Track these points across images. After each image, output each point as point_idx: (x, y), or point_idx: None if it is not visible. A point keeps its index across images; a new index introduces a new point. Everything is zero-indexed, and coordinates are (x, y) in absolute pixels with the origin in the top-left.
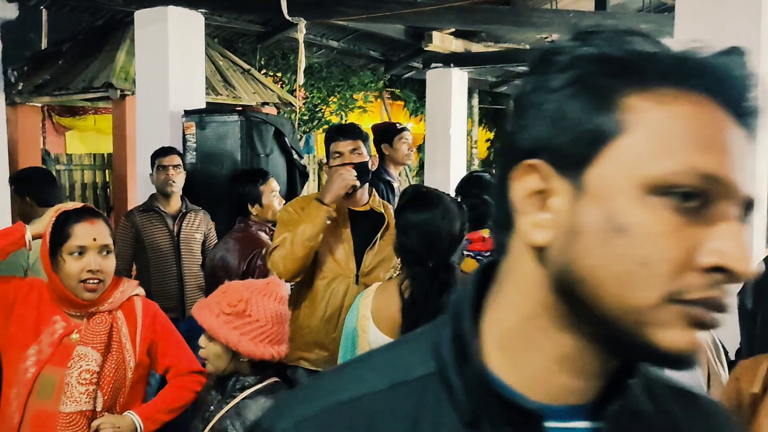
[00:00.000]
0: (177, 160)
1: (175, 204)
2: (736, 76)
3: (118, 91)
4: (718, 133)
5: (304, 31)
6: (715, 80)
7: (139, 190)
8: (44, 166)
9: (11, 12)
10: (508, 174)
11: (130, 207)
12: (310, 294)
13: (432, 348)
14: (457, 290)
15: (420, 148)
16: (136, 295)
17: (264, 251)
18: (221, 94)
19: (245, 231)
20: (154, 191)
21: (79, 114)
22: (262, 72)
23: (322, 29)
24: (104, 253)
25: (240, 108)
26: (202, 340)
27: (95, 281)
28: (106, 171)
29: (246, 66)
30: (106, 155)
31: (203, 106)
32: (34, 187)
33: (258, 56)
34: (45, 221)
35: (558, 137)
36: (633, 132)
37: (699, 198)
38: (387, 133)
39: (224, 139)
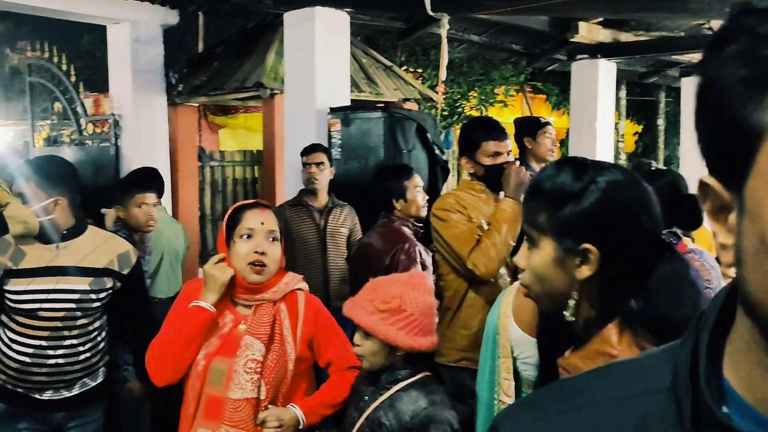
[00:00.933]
0: (321, 157)
1: (322, 199)
2: None
3: (268, 90)
4: None
5: (447, 27)
6: None
7: (286, 185)
8: (199, 163)
9: (173, 18)
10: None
11: (278, 201)
12: (472, 294)
13: (672, 361)
14: (708, 305)
15: (563, 143)
16: (300, 289)
17: (407, 246)
18: (364, 91)
19: (388, 226)
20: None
21: (230, 113)
22: (403, 68)
23: (464, 24)
24: (271, 239)
25: (383, 105)
26: (358, 338)
27: (261, 264)
28: (255, 167)
29: (388, 63)
30: (255, 152)
31: (348, 103)
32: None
33: (399, 53)
34: (213, 295)
35: (717, 141)
36: None
37: None
38: (530, 127)
39: (368, 135)
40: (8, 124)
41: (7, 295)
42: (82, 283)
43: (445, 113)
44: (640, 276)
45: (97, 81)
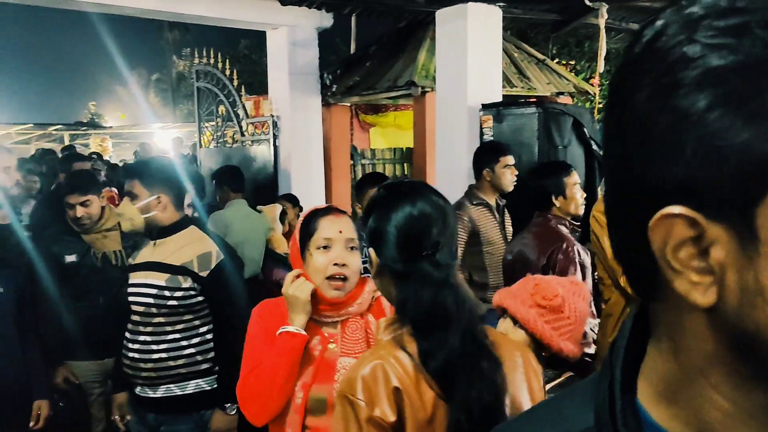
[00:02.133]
0: (513, 160)
1: (495, 196)
2: None
3: (420, 89)
4: None
5: (605, 16)
6: None
7: (438, 181)
8: (351, 161)
9: (327, 21)
10: (637, 219)
11: None
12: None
13: (592, 400)
14: (616, 337)
15: None
16: None
17: (565, 245)
18: (516, 86)
19: (544, 225)
20: (470, 183)
21: (381, 111)
22: (555, 61)
23: (622, 12)
24: (350, 248)
25: (536, 99)
26: (507, 328)
27: (341, 277)
28: (405, 164)
29: (540, 56)
30: (404, 149)
31: (500, 99)
32: (228, 178)
33: (551, 45)
34: (301, 317)
35: (709, 173)
36: None
37: None
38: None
39: (521, 131)
40: (176, 126)
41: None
42: (160, 279)
43: (601, 106)
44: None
45: (253, 83)
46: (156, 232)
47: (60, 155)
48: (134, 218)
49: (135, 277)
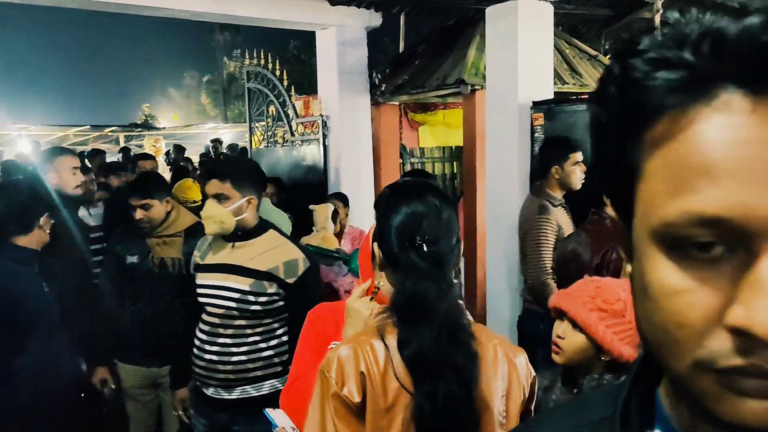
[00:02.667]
0: (581, 156)
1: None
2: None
3: (469, 87)
4: (745, 150)
5: (661, 10)
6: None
7: (488, 180)
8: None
9: (376, 20)
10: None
11: (479, 197)
12: None
13: (614, 391)
14: None
15: None
16: None
17: None
18: (567, 83)
19: (599, 224)
20: (540, 181)
21: (430, 110)
22: (608, 56)
23: (678, 5)
24: None
25: (589, 96)
26: (563, 331)
27: None
28: (455, 162)
29: (593, 52)
30: (454, 148)
31: (551, 96)
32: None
33: (603, 40)
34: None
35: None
36: (649, 167)
37: (723, 244)
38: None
39: (574, 128)
40: (227, 127)
41: (195, 288)
42: (243, 284)
43: None
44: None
45: (303, 83)
46: (238, 234)
47: (121, 155)
48: (225, 221)
49: (210, 279)
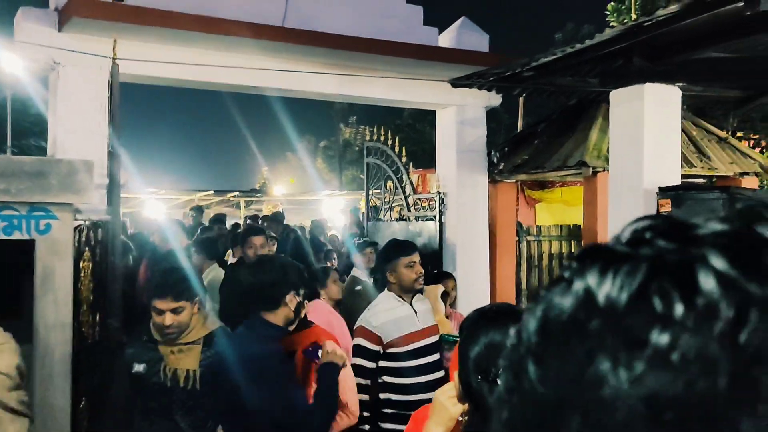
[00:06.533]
0: None
1: None
2: None
3: (591, 169)
4: None
5: None
6: None
7: None
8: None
9: (496, 100)
10: None
11: None
12: None
13: None
14: None
15: None
16: None
17: None
18: (695, 166)
19: None
20: None
21: (547, 187)
22: (736, 136)
23: None
24: None
25: (722, 184)
26: None
27: None
28: (572, 241)
29: (722, 133)
30: (572, 226)
31: (678, 181)
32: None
33: (731, 119)
34: (439, 429)
35: None
36: None
37: None
38: None
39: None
40: (342, 194)
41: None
42: None
43: None
44: None
45: (416, 152)
46: None
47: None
48: None
49: None
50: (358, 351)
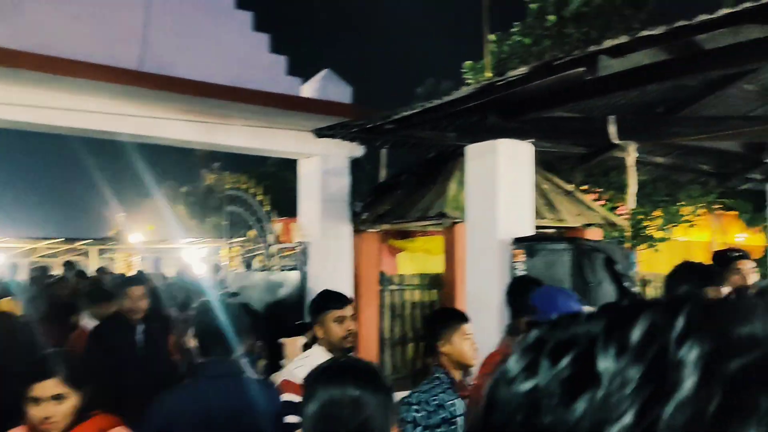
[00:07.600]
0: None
1: None
2: None
3: (450, 220)
4: None
5: (635, 155)
6: None
7: (469, 310)
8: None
9: (359, 150)
10: None
11: None
12: None
13: None
14: None
15: (760, 262)
16: None
17: None
18: (546, 218)
19: None
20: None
21: (409, 236)
22: (582, 190)
23: (648, 146)
24: None
25: (569, 236)
26: None
27: None
28: (432, 290)
29: (569, 187)
30: (433, 275)
31: (531, 233)
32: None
33: (577, 174)
34: None
35: None
36: None
37: None
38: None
39: (553, 267)
40: (204, 243)
41: None
42: None
43: (627, 234)
44: None
45: (280, 200)
46: None
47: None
48: None
49: None
50: (288, 407)
